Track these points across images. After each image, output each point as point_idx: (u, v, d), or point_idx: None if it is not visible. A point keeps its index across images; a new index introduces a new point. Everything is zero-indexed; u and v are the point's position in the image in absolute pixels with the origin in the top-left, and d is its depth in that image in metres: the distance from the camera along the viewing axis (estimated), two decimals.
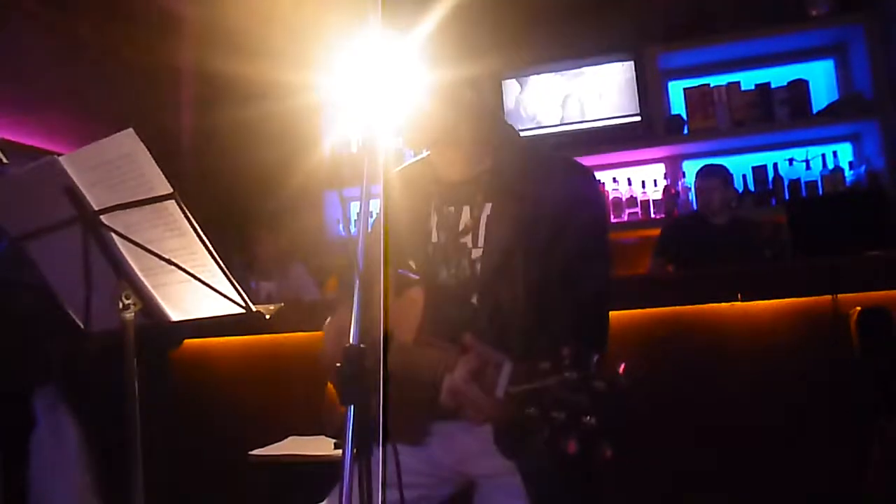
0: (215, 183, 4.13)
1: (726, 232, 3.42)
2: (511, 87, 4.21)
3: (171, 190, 1.38)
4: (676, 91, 4.19)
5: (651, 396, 1.99)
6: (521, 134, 1.42)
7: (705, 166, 3.59)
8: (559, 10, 4.02)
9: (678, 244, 3.49)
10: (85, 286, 1.51)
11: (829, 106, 3.88)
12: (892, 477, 1.97)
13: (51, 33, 3.62)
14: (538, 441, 0.89)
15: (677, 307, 2.36)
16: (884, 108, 3.73)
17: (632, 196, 4.11)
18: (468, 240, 1.31)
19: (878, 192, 3.48)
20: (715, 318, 2.34)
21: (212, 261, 1.44)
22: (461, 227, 1.32)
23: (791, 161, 3.97)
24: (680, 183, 4.08)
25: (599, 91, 4.08)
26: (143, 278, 1.51)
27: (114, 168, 1.38)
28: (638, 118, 4.02)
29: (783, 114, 3.94)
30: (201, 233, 1.42)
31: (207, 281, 1.46)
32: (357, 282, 0.97)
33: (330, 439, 2.24)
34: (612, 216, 4.06)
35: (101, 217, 1.43)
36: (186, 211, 1.40)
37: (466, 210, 1.32)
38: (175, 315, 1.57)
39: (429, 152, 1.41)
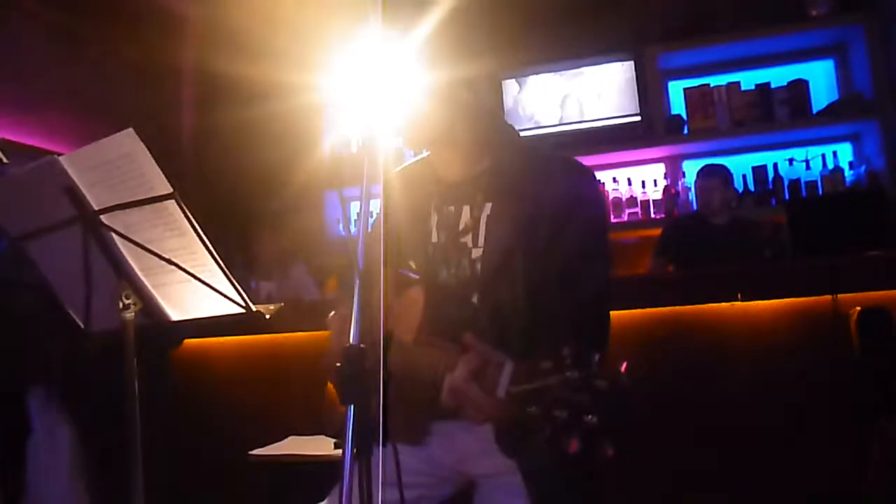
0: (216, 183, 4.13)
1: (726, 232, 3.42)
2: (510, 87, 4.21)
3: (171, 190, 1.38)
4: (676, 91, 4.19)
5: (651, 396, 1.99)
6: (521, 134, 1.42)
7: (706, 166, 3.59)
8: (559, 11, 4.02)
9: (678, 244, 3.49)
10: (85, 286, 1.51)
11: (829, 106, 3.88)
12: (892, 477, 1.98)
13: (51, 33, 3.62)
14: (539, 440, 0.89)
15: (677, 307, 2.36)
16: (884, 108, 3.73)
17: (632, 196, 4.11)
18: (468, 239, 1.31)
19: (878, 192, 3.48)
20: (715, 318, 2.34)
21: (212, 261, 1.44)
22: (461, 226, 1.32)
23: (791, 161, 3.97)
24: (680, 183, 4.08)
25: (598, 91, 4.08)
26: (143, 278, 1.51)
27: (114, 168, 1.38)
28: (638, 118, 4.02)
29: (783, 114, 3.94)
30: (201, 233, 1.42)
31: (207, 281, 1.46)
32: (357, 282, 0.97)
33: (330, 439, 2.24)
34: (612, 216, 4.06)
35: (102, 217, 1.43)
36: (186, 211, 1.40)
37: (466, 210, 1.33)
38: (175, 315, 1.57)
39: (428, 152, 1.41)
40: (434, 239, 1.35)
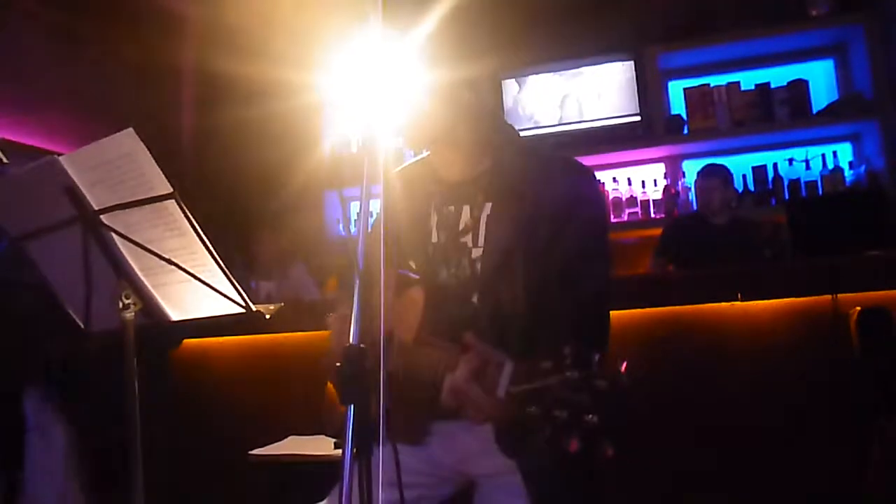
0: (216, 183, 4.13)
1: (726, 232, 3.42)
2: (509, 86, 4.21)
3: (171, 190, 1.38)
4: (676, 91, 4.19)
5: (651, 396, 1.99)
6: (521, 134, 1.42)
7: (706, 166, 3.59)
8: (559, 10, 4.02)
9: (678, 244, 3.49)
10: (85, 286, 1.51)
11: (829, 106, 3.88)
12: (892, 477, 1.97)
13: (51, 33, 3.62)
14: (539, 440, 0.89)
15: (677, 307, 2.36)
16: (884, 108, 3.73)
17: (632, 196, 4.11)
18: (468, 239, 1.31)
19: (878, 192, 3.48)
20: (715, 318, 2.34)
21: (212, 260, 1.44)
22: (461, 226, 1.32)
23: (791, 161, 3.97)
24: (680, 183, 4.08)
25: (598, 91, 4.08)
26: (143, 278, 1.51)
27: (114, 168, 1.38)
28: (638, 118, 4.02)
29: (783, 114, 3.94)
30: (201, 233, 1.42)
31: (207, 281, 1.46)
32: (357, 282, 0.97)
33: (330, 439, 2.24)
34: (612, 216, 4.06)
35: (101, 217, 1.43)
36: (186, 211, 1.40)
37: (466, 210, 1.33)
38: (175, 315, 1.57)
39: (428, 152, 1.41)
40: (434, 239, 1.35)
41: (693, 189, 3.91)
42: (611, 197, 4.09)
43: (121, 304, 1.47)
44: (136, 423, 1.46)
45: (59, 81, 3.62)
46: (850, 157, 3.97)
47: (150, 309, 1.54)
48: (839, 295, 2.21)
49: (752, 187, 4.01)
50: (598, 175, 2.75)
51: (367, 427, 0.91)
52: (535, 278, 1.22)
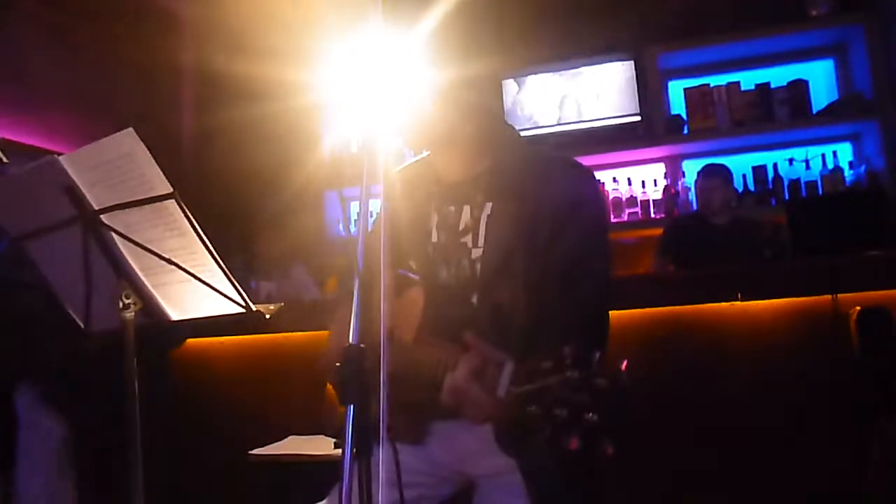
0: (216, 183, 4.13)
1: (727, 232, 3.42)
2: (508, 87, 4.21)
3: (171, 190, 1.38)
4: (676, 91, 4.19)
5: (651, 396, 1.99)
6: (521, 134, 1.42)
7: (707, 166, 3.59)
8: (559, 11, 4.03)
9: (678, 244, 3.49)
10: (85, 286, 1.51)
11: (828, 106, 3.88)
12: (892, 477, 1.97)
13: (51, 33, 3.62)
14: (540, 439, 0.89)
15: (677, 307, 2.36)
16: (884, 108, 3.73)
17: (632, 196, 4.11)
18: (468, 240, 1.31)
19: (878, 192, 3.48)
20: (715, 318, 2.34)
21: (212, 260, 1.44)
22: (461, 226, 1.32)
23: (791, 161, 3.97)
24: (680, 183, 4.08)
25: (597, 91, 4.08)
26: (143, 278, 1.51)
27: (114, 168, 1.38)
28: (638, 118, 4.02)
29: (783, 114, 3.94)
30: (201, 233, 1.42)
31: (207, 281, 1.46)
32: (357, 282, 0.97)
33: (330, 439, 2.24)
34: (612, 216, 4.06)
35: (101, 217, 1.43)
36: (186, 211, 1.40)
37: (466, 210, 1.33)
38: (175, 315, 1.57)
39: (429, 152, 1.41)
40: (434, 239, 1.35)
41: (693, 189, 3.91)
42: (611, 197, 4.09)
43: (121, 304, 1.47)
44: (136, 423, 1.46)
45: (59, 81, 3.62)
46: (850, 157, 3.97)
47: (150, 309, 1.54)
48: (839, 295, 2.21)
49: (752, 187, 4.01)
50: (598, 175, 2.75)
51: (367, 427, 0.91)
52: (535, 278, 1.22)
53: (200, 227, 1.42)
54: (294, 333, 2.62)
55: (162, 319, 1.56)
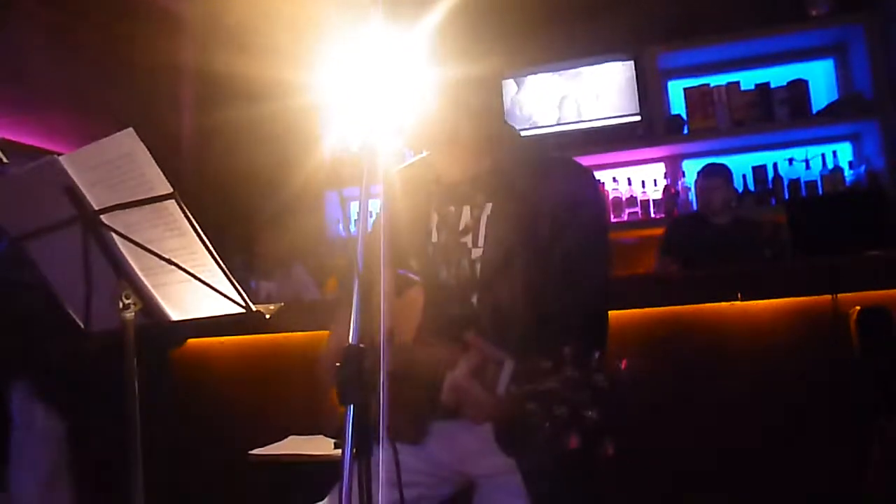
0: (216, 183, 4.13)
1: (727, 232, 3.42)
2: (508, 87, 4.21)
3: (171, 190, 1.38)
4: (676, 91, 4.19)
5: (651, 396, 1.99)
6: (521, 134, 1.42)
7: (707, 165, 3.59)
8: (559, 11, 4.02)
9: (679, 244, 3.49)
10: (85, 286, 1.51)
11: (828, 106, 3.88)
12: (892, 477, 1.97)
13: (51, 33, 3.62)
14: (540, 438, 0.89)
15: (677, 307, 2.36)
16: (884, 108, 3.73)
17: (632, 196, 4.11)
18: (468, 240, 1.31)
19: (878, 192, 3.49)
20: (715, 318, 2.34)
21: (212, 260, 1.44)
22: (461, 226, 1.32)
23: (791, 161, 3.97)
24: (680, 183, 4.08)
25: (597, 91, 4.08)
26: (143, 278, 1.51)
27: (114, 168, 1.38)
28: (638, 118, 4.02)
29: (783, 114, 3.94)
30: (201, 233, 1.42)
31: (207, 281, 1.46)
32: (357, 282, 0.97)
33: (330, 439, 2.24)
34: (612, 216, 4.06)
35: (101, 217, 1.44)
36: (186, 211, 1.40)
37: (467, 210, 1.33)
38: (175, 315, 1.57)
39: (429, 152, 1.41)
40: (434, 239, 1.35)
41: (693, 189, 3.91)
42: (611, 197, 4.09)
43: (121, 304, 1.47)
44: (136, 423, 1.46)
45: (59, 81, 3.62)
46: (850, 157, 3.97)
47: (150, 309, 1.54)
48: (839, 295, 2.22)
49: (752, 187, 4.01)
50: (598, 175, 2.76)
51: (367, 427, 0.92)
52: (534, 278, 1.22)
53: (200, 227, 1.42)
54: (294, 333, 2.62)
55: (162, 319, 1.56)
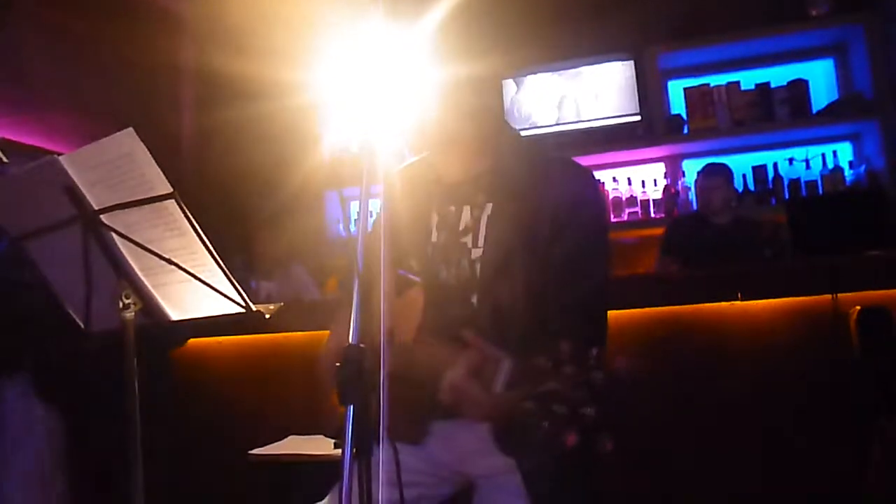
0: (216, 183, 4.13)
1: (727, 231, 3.42)
2: (508, 87, 4.20)
3: (171, 190, 1.38)
4: (676, 91, 4.19)
5: (651, 396, 1.99)
6: (521, 134, 1.42)
7: (708, 165, 3.59)
8: (559, 11, 4.02)
9: (679, 244, 3.49)
10: (85, 286, 1.51)
11: (829, 106, 3.88)
12: (892, 477, 1.98)
13: (51, 33, 3.62)
14: (538, 436, 0.89)
15: (677, 307, 2.36)
16: (884, 108, 3.73)
17: (632, 196, 4.11)
18: (468, 240, 1.31)
19: (878, 191, 3.48)
20: (715, 317, 2.34)
21: (212, 260, 1.44)
22: (461, 227, 1.32)
23: (791, 161, 3.97)
24: (680, 183, 4.08)
25: (596, 91, 4.08)
26: (143, 278, 1.51)
27: (114, 168, 1.38)
28: (638, 118, 4.02)
29: (783, 113, 3.94)
30: (201, 233, 1.42)
31: (207, 280, 1.46)
32: (357, 282, 0.97)
33: (330, 439, 2.24)
34: (612, 216, 4.06)
35: (101, 217, 1.43)
36: (186, 211, 1.40)
37: (467, 210, 1.33)
38: (175, 315, 1.57)
39: (429, 152, 1.41)
40: (434, 239, 1.35)
41: (693, 189, 3.91)
42: (611, 197, 4.09)
43: (121, 304, 1.47)
44: (136, 423, 1.46)
45: (59, 81, 3.62)
46: (850, 157, 3.97)
47: (150, 309, 1.54)
48: (839, 295, 2.22)
49: (752, 187, 4.01)
50: (598, 175, 2.75)
51: (367, 427, 0.92)
52: (534, 278, 1.22)
53: (200, 226, 1.42)
54: (294, 333, 2.62)
55: (162, 319, 1.56)
